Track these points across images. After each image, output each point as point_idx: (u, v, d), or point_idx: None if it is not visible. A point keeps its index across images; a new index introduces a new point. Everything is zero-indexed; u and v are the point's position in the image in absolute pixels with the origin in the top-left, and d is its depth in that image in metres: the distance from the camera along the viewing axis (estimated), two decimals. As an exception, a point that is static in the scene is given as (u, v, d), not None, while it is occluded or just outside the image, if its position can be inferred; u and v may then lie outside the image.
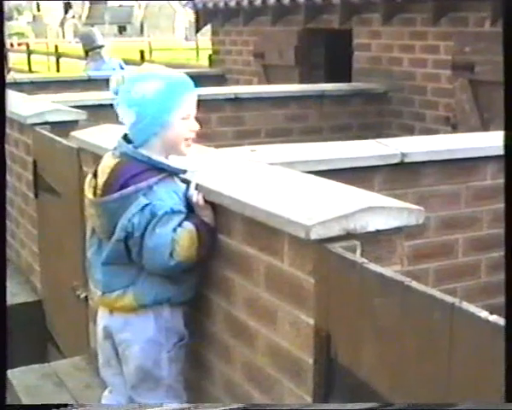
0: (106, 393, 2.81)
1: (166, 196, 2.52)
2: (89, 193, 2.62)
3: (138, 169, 2.52)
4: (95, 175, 2.63)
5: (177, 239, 2.48)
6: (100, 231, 2.62)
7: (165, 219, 2.48)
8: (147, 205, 2.48)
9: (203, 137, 2.69)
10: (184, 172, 2.61)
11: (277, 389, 2.36)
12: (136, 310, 2.59)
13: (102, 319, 2.71)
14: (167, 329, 2.61)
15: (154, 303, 2.58)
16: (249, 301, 2.48)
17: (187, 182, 2.60)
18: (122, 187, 2.50)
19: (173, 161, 2.59)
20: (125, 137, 2.61)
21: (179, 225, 2.51)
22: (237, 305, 2.54)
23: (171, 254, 2.48)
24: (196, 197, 2.55)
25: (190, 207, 2.57)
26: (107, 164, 2.59)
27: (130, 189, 2.49)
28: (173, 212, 2.50)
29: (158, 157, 2.55)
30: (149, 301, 2.58)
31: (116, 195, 2.50)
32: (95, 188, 2.60)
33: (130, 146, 2.57)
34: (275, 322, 2.34)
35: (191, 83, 2.62)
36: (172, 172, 2.58)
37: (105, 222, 2.57)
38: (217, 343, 2.69)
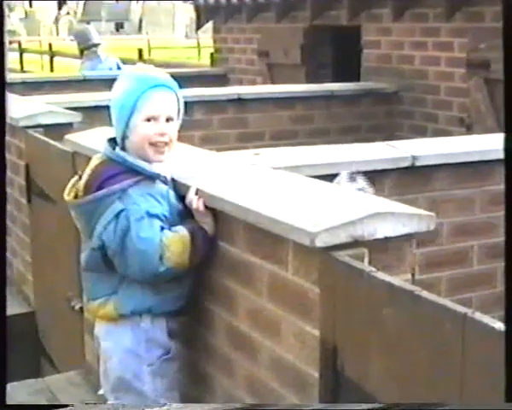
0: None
1: (142, 199, 2.53)
2: (68, 195, 2.67)
3: (115, 171, 2.56)
4: (80, 177, 2.68)
5: (167, 244, 2.50)
6: (82, 234, 2.68)
7: (145, 223, 2.50)
8: (122, 211, 2.50)
9: (204, 140, 2.70)
10: (159, 176, 2.60)
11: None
12: (117, 320, 2.62)
13: (95, 326, 2.77)
14: (147, 340, 2.63)
15: (133, 313, 2.61)
16: (252, 312, 2.49)
17: (186, 188, 2.62)
18: (98, 189, 2.54)
19: (155, 166, 2.60)
20: (113, 139, 2.66)
21: (169, 229, 2.53)
22: (239, 316, 2.55)
23: (160, 259, 2.50)
24: (196, 203, 2.57)
25: (188, 213, 2.59)
26: (90, 165, 2.66)
27: (104, 191, 2.53)
28: (150, 215, 2.51)
29: (134, 159, 2.57)
30: (129, 310, 2.61)
31: (90, 197, 2.55)
32: (77, 189, 2.65)
33: (117, 148, 2.61)
34: (278, 334, 2.36)
35: (163, 82, 2.60)
36: (148, 176, 2.59)
37: (83, 225, 2.63)
38: (218, 356, 2.70)
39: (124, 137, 2.60)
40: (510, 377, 1.55)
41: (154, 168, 2.59)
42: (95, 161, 2.65)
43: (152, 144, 2.56)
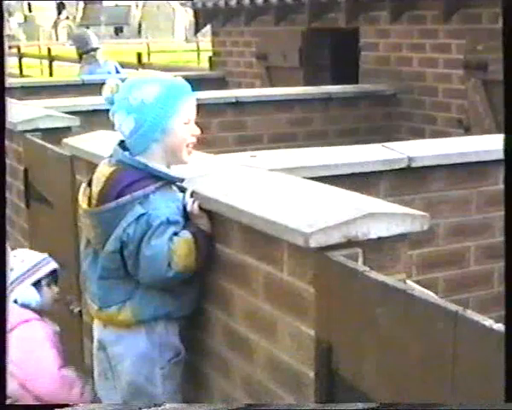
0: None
1: (163, 205, 2.55)
2: (83, 203, 2.65)
3: (135, 177, 2.56)
4: (89, 184, 2.66)
5: (174, 249, 2.52)
6: (95, 242, 2.65)
7: (160, 229, 2.52)
8: (143, 215, 2.51)
9: (203, 144, 2.73)
10: (182, 180, 2.65)
11: (278, 404, 2.40)
12: (131, 325, 2.63)
13: (97, 331, 2.77)
14: (161, 344, 2.65)
15: (152, 318, 2.63)
16: (248, 312, 2.52)
17: (183, 190, 2.65)
18: (118, 196, 2.53)
19: (172, 169, 2.64)
20: (121, 145, 2.64)
21: (176, 234, 2.55)
22: (236, 317, 2.58)
23: (169, 265, 2.52)
24: (191, 206, 2.59)
25: (188, 216, 2.62)
26: (102, 172, 2.63)
27: (127, 197, 2.53)
28: (169, 222, 2.54)
29: (155, 165, 2.59)
30: (148, 316, 2.62)
31: (112, 204, 2.54)
32: (89, 197, 2.63)
33: (127, 153, 2.61)
34: (275, 334, 2.38)
35: (189, 86, 2.67)
36: (170, 181, 2.62)
37: (101, 232, 2.60)
38: (215, 357, 2.72)
39: (152, 141, 2.60)
40: (510, 377, 1.56)
41: (173, 173, 2.62)
42: (107, 168, 2.62)
43: (187, 146, 2.63)
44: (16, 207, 4.93)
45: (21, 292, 3.05)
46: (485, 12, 6.14)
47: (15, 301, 3.03)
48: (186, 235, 2.56)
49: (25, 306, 3.05)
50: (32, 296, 3.08)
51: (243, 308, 2.54)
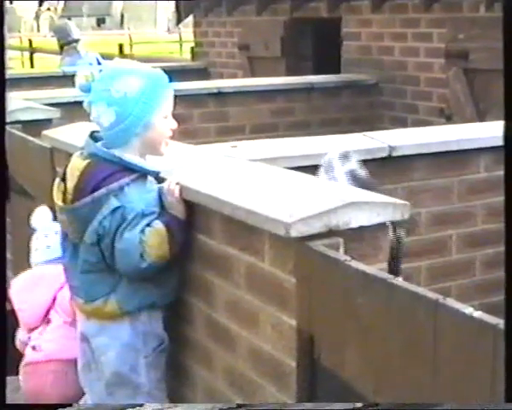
0: (81, 402, 2.84)
1: (138, 197, 2.54)
2: (58, 200, 2.63)
3: (110, 170, 2.53)
4: (63, 179, 2.64)
5: (145, 240, 2.51)
6: (73, 236, 2.64)
7: (134, 222, 2.51)
8: (118, 208, 2.50)
9: (185, 135, 2.71)
10: (157, 173, 2.63)
11: (260, 395, 2.39)
12: (121, 316, 2.62)
13: (80, 323, 2.76)
14: (145, 333, 2.65)
15: (138, 309, 2.62)
16: (230, 303, 2.51)
17: (162, 181, 2.63)
18: (94, 190, 2.51)
19: (147, 162, 2.62)
20: (92, 136, 2.62)
21: (148, 225, 2.53)
22: (218, 308, 2.58)
23: (141, 256, 2.51)
24: (172, 188, 2.57)
25: (163, 205, 2.61)
26: (75, 166, 2.60)
27: (102, 191, 2.51)
28: (144, 215, 2.53)
29: (130, 157, 2.56)
30: (133, 306, 2.62)
31: (88, 199, 2.52)
32: (64, 192, 2.61)
33: (99, 144, 2.58)
34: (256, 325, 2.38)
35: (168, 79, 2.64)
36: (145, 173, 2.60)
37: (78, 228, 2.59)
38: (197, 348, 2.72)
39: (133, 136, 2.57)
40: (510, 378, 1.57)
41: (148, 165, 2.61)
42: (81, 162, 2.58)
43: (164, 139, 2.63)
44: (-3, 199, 4.90)
45: None
46: (466, 1, 6.16)
47: None
48: (158, 225, 2.54)
49: None
50: None
51: (225, 299, 2.54)
